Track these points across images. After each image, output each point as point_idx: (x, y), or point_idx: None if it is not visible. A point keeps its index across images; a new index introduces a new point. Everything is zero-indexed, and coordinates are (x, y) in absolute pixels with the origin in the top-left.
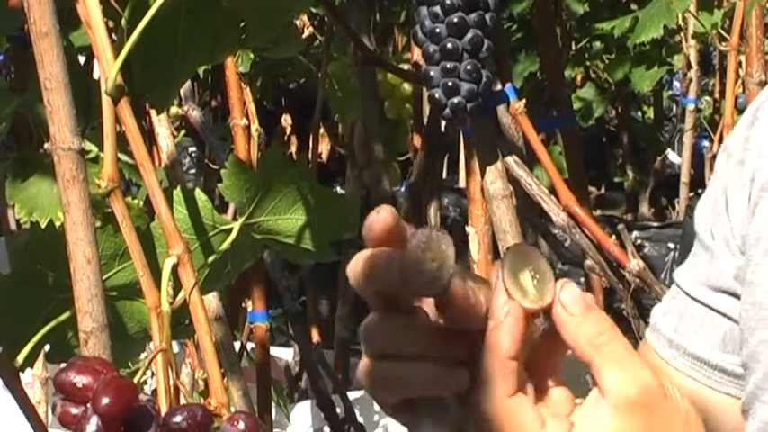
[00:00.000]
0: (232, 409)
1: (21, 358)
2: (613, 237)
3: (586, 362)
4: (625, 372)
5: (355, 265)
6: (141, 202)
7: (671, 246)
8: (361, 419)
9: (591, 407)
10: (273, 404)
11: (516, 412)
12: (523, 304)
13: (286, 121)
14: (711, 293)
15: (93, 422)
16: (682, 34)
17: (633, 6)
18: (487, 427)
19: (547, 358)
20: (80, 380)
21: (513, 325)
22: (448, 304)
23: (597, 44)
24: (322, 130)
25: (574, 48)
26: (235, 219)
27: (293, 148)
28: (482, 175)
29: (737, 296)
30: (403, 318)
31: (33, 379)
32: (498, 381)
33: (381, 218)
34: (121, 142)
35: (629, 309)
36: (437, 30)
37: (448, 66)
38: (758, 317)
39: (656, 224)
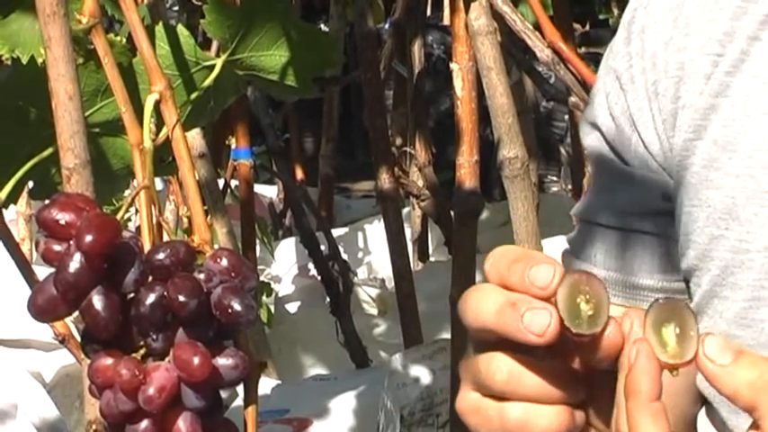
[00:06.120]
0: (216, 246)
1: (4, 195)
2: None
3: (748, 408)
4: None
5: (489, 307)
6: (123, 39)
7: None
8: (345, 256)
9: None
10: (258, 241)
11: None
12: (662, 359)
13: None
14: (638, 219)
15: (77, 259)
16: None
17: None
18: None
19: None
20: (63, 217)
21: (646, 365)
22: (602, 345)
23: None
24: None
25: None
26: (218, 55)
27: None
28: (466, 12)
29: (667, 213)
30: (523, 356)
31: (17, 216)
32: (649, 426)
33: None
34: None
35: None
36: None
37: None
38: (706, 215)
39: None
